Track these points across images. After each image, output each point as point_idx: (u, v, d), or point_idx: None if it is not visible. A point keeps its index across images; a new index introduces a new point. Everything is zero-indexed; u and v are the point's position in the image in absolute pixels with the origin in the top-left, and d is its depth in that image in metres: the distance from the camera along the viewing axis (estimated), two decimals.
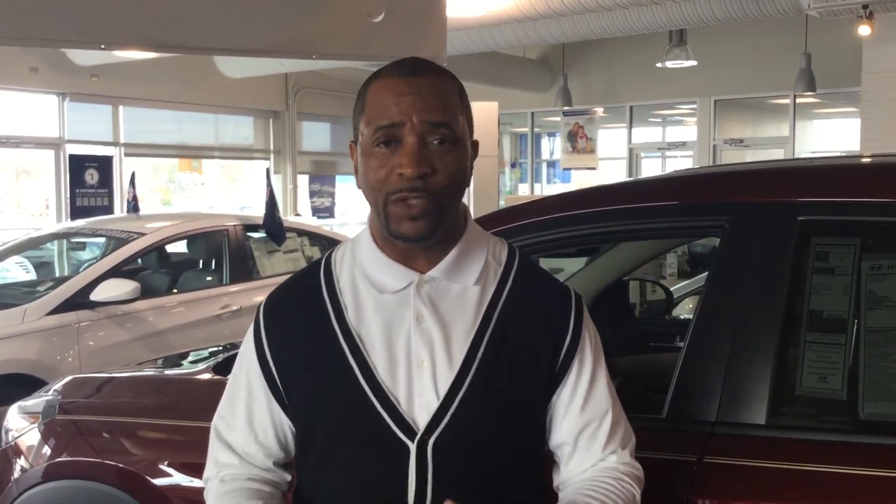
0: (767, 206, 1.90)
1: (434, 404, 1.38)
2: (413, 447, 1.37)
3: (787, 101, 11.91)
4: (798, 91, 10.98)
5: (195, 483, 2.33)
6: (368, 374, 1.40)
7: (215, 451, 1.54)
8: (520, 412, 1.43)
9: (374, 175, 1.38)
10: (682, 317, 3.96)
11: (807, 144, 12.38)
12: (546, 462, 1.52)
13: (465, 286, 1.44)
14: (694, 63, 10.87)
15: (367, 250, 1.47)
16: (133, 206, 7.02)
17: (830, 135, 13.34)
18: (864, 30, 8.06)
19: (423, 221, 1.37)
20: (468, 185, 1.45)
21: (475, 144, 1.47)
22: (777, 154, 12.05)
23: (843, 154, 10.85)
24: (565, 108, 12.84)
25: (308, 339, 1.45)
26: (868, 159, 2.68)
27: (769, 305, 1.79)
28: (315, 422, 1.44)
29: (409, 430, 1.38)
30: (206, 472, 1.56)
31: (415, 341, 1.40)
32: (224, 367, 2.72)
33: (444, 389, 1.39)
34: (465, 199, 1.49)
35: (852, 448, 1.69)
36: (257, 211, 7.54)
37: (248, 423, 1.50)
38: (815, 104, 12.36)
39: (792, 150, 11.89)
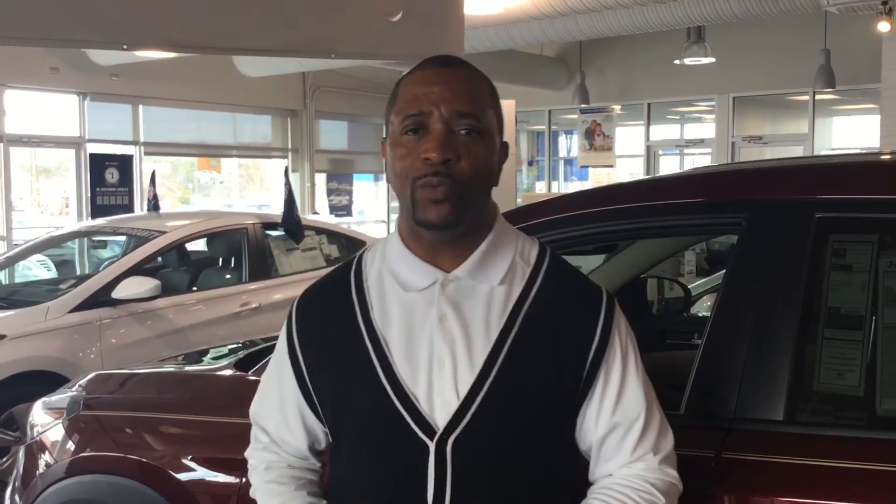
0: (785, 203, 1.90)
1: (454, 404, 1.38)
2: (432, 446, 1.37)
3: (806, 97, 11.84)
4: (817, 88, 10.92)
5: (218, 477, 2.36)
6: (389, 373, 1.41)
7: (254, 430, 1.62)
8: (541, 415, 1.41)
9: (401, 163, 1.40)
10: (700, 314, 3.96)
11: (826, 141, 12.31)
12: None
13: (491, 286, 1.43)
14: (712, 60, 10.82)
15: (394, 248, 1.48)
16: (153, 204, 7.08)
17: (850, 131, 13.25)
18: (883, 26, 8.01)
19: (446, 206, 1.37)
20: (495, 183, 1.45)
21: (505, 146, 1.47)
22: (796, 151, 11.98)
23: (863, 151, 10.78)
24: (582, 105, 12.82)
25: (335, 337, 1.47)
26: (886, 156, 2.67)
27: (787, 302, 1.79)
28: (341, 419, 1.48)
29: (429, 430, 1.38)
30: (247, 451, 1.63)
31: (437, 341, 1.40)
32: (246, 364, 2.75)
33: (464, 390, 1.38)
34: None
35: (870, 444, 1.69)
36: (276, 209, 7.58)
37: (281, 416, 1.56)
38: (835, 101, 12.28)
39: (811, 147, 11.83)
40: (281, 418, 1.56)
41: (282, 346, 1.56)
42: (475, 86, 1.42)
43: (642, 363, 1.50)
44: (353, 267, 1.53)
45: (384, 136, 1.49)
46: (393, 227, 1.69)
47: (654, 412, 1.47)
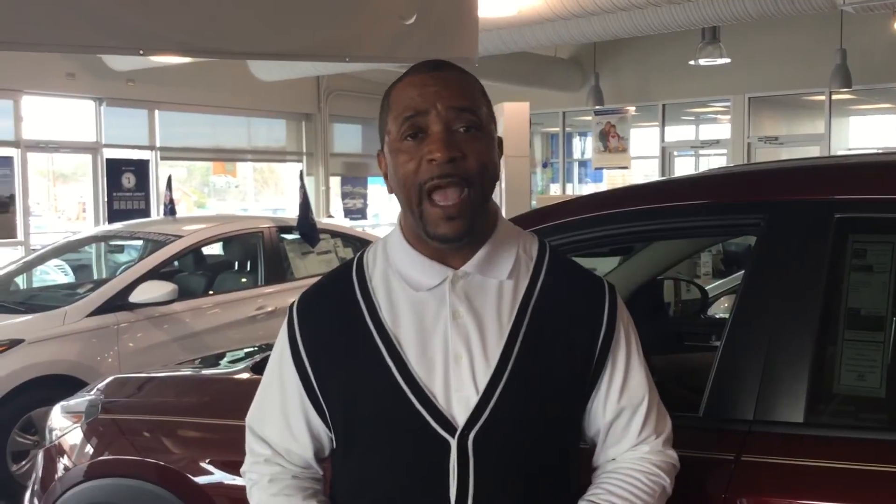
0: (804, 203, 1.89)
1: (473, 399, 1.39)
2: (454, 443, 1.38)
3: (822, 97, 11.77)
4: (833, 87, 10.85)
5: (236, 480, 2.36)
6: (405, 372, 1.41)
7: (252, 444, 1.57)
8: (557, 404, 1.45)
9: (404, 169, 1.39)
10: (717, 316, 3.94)
11: (843, 141, 12.23)
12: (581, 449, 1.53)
13: (499, 280, 1.45)
14: (727, 60, 10.77)
15: (398, 249, 1.48)
16: (169, 209, 7.12)
17: (867, 131, 13.16)
18: None
19: (459, 221, 1.38)
20: (498, 179, 1.46)
21: (500, 142, 1.48)
22: (813, 151, 11.91)
23: (881, 150, 10.71)
24: (597, 107, 12.79)
25: (343, 340, 1.46)
26: None
27: (806, 303, 1.78)
28: (354, 422, 1.45)
29: (449, 426, 1.39)
30: (245, 465, 1.58)
31: (452, 337, 1.41)
32: (262, 367, 2.75)
33: (482, 384, 1.39)
34: (496, 199, 1.50)
35: (891, 446, 1.68)
36: (291, 213, 7.61)
37: (284, 422, 1.52)
38: (851, 100, 12.20)
39: (828, 147, 11.75)
40: (284, 426, 1.52)
41: (283, 350, 1.52)
42: (468, 84, 1.43)
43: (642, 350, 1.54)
44: (354, 269, 1.51)
45: (380, 148, 1.48)
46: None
47: (654, 395, 1.53)
